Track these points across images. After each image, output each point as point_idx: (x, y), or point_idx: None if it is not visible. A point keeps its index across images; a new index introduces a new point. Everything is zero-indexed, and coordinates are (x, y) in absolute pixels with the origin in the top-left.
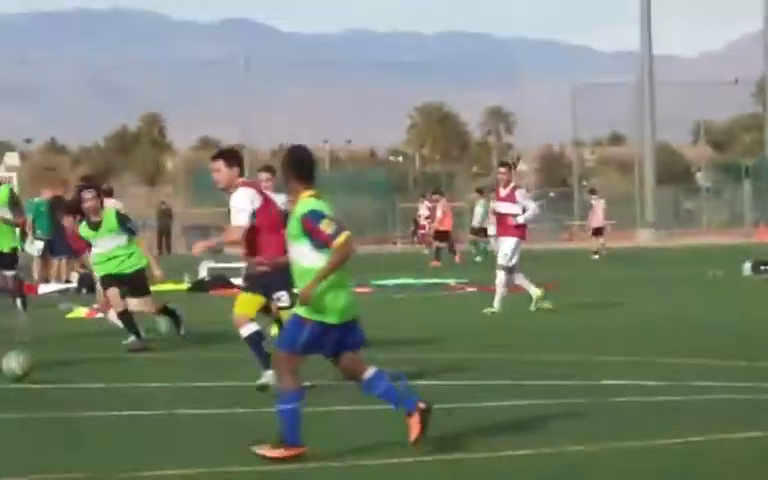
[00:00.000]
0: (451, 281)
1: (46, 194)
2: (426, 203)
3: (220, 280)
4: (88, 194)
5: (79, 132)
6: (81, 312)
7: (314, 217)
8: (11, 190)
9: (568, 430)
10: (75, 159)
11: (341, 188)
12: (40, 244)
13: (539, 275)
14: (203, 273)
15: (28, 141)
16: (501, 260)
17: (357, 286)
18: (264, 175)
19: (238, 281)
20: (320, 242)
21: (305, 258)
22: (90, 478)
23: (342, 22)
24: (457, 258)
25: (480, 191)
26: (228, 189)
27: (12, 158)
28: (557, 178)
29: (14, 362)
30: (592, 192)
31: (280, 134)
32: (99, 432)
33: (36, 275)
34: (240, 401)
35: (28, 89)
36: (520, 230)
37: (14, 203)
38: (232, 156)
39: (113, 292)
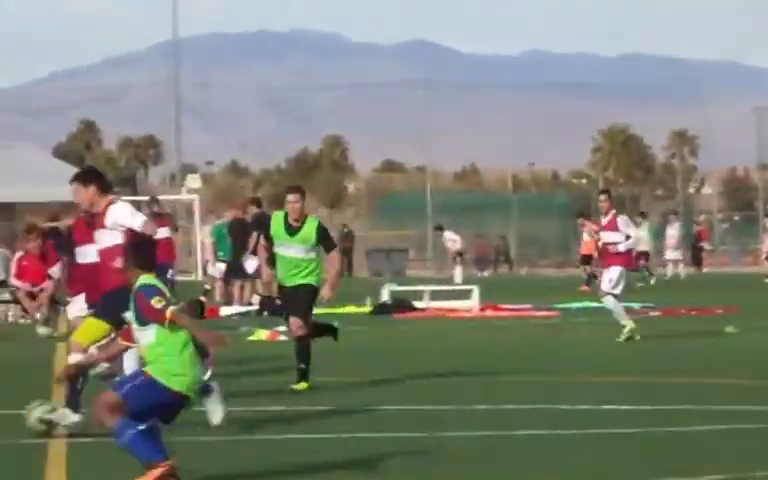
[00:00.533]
0: (635, 305)
1: (228, 216)
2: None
3: (402, 303)
4: None
5: (261, 154)
6: (262, 335)
7: (147, 292)
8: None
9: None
10: (257, 182)
11: (523, 211)
12: (222, 266)
13: (720, 298)
14: (385, 296)
15: (210, 163)
16: (605, 287)
17: (541, 310)
18: (291, 196)
19: (421, 304)
20: (147, 317)
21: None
22: None
23: (522, 43)
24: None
25: (642, 214)
26: (91, 209)
27: (194, 180)
28: (741, 201)
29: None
30: None
31: (462, 156)
32: (295, 454)
33: (218, 297)
34: (421, 424)
35: (210, 111)
36: (624, 258)
37: None
38: (87, 176)
39: None
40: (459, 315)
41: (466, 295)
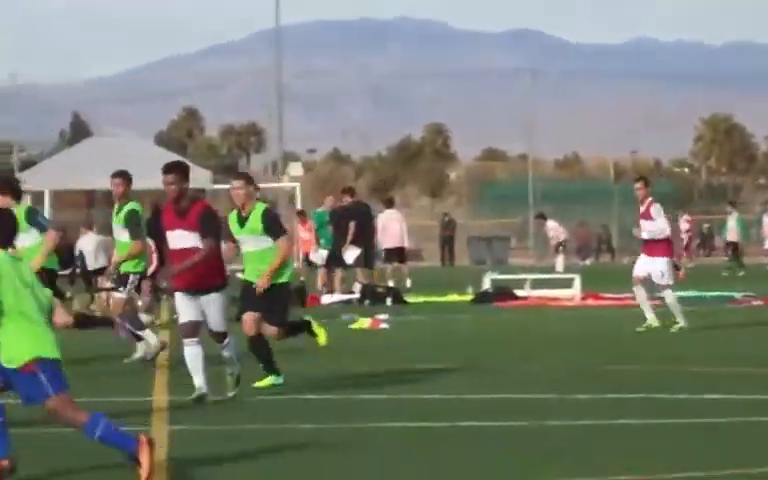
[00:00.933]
0: (737, 294)
1: (327, 205)
2: (686, 217)
3: (503, 291)
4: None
5: (362, 142)
6: (364, 323)
7: None
8: (130, 211)
9: None
10: (358, 170)
11: (625, 199)
12: (324, 253)
13: None
14: (487, 284)
15: (312, 151)
16: (661, 281)
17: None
18: (236, 183)
19: (522, 293)
20: None
21: None
22: None
23: (627, 32)
24: None
25: (732, 203)
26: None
27: (296, 168)
28: None
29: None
30: None
31: (563, 144)
32: (386, 441)
33: (319, 285)
34: (520, 411)
35: (312, 99)
36: (665, 248)
37: (132, 223)
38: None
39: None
40: (560, 304)
41: (568, 284)
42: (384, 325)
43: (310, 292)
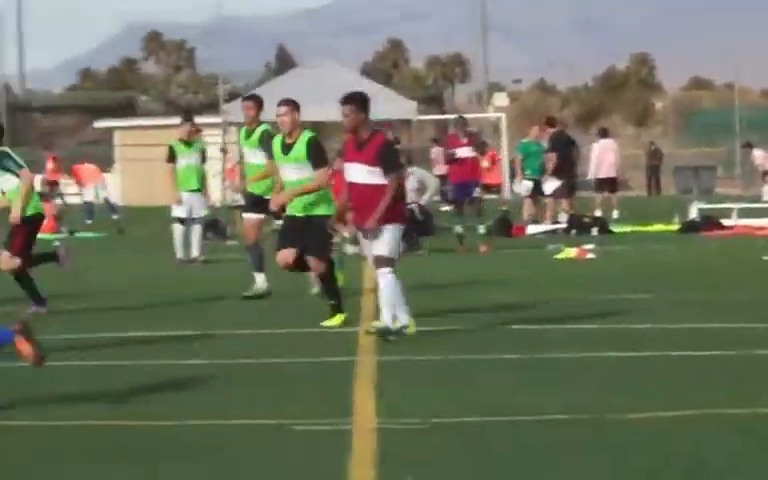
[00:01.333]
0: None
1: (532, 135)
2: None
3: (710, 221)
4: None
5: (568, 73)
6: (570, 253)
7: None
8: (264, 132)
9: None
10: (564, 100)
11: None
12: (529, 184)
13: None
14: (693, 214)
15: (517, 81)
16: None
17: None
18: (281, 109)
19: (729, 222)
20: None
21: None
22: (578, 419)
23: None
24: None
25: None
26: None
27: (501, 99)
28: None
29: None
30: None
31: None
32: (572, 372)
33: (525, 215)
34: (729, 341)
35: (517, 29)
36: None
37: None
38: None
39: None
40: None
41: None
42: (590, 255)
43: (515, 222)
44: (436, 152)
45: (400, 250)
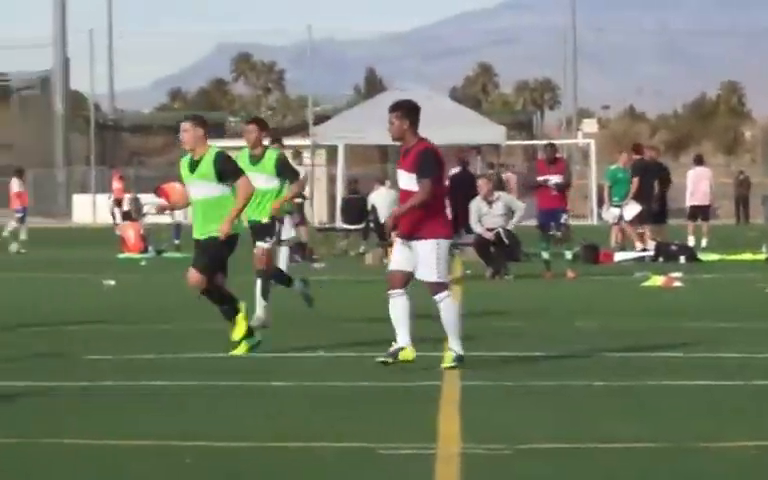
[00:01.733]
0: None
1: (621, 162)
2: None
3: None
4: None
5: (657, 100)
6: (657, 281)
7: None
8: (279, 155)
9: None
10: (653, 127)
11: None
12: (616, 211)
13: None
14: None
15: (606, 108)
16: None
17: None
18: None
19: None
20: None
21: None
22: (664, 447)
23: None
24: None
25: None
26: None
27: (590, 125)
28: None
29: None
30: None
31: None
32: (659, 399)
33: (613, 242)
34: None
35: (606, 56)
36: None
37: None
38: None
39: None
40: None
41: None
42: (678, 283)
43: (603, 249)
44: (507, 178)
45: (447, 266)
